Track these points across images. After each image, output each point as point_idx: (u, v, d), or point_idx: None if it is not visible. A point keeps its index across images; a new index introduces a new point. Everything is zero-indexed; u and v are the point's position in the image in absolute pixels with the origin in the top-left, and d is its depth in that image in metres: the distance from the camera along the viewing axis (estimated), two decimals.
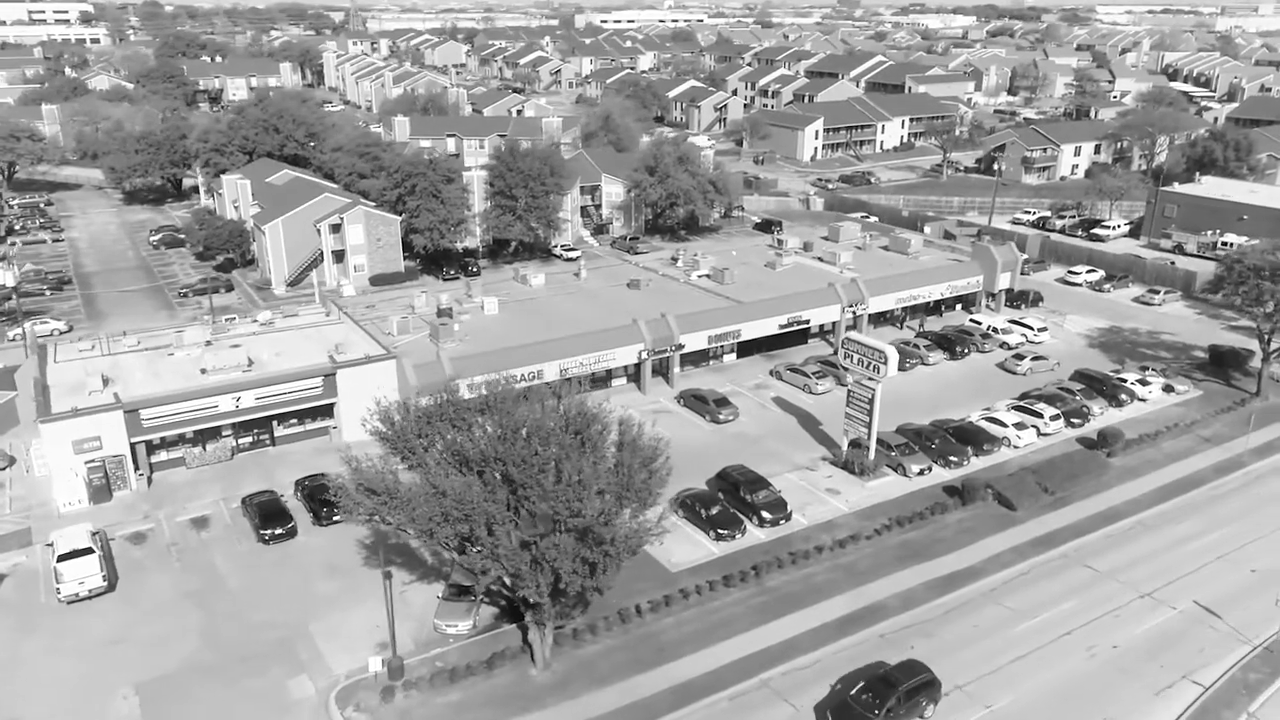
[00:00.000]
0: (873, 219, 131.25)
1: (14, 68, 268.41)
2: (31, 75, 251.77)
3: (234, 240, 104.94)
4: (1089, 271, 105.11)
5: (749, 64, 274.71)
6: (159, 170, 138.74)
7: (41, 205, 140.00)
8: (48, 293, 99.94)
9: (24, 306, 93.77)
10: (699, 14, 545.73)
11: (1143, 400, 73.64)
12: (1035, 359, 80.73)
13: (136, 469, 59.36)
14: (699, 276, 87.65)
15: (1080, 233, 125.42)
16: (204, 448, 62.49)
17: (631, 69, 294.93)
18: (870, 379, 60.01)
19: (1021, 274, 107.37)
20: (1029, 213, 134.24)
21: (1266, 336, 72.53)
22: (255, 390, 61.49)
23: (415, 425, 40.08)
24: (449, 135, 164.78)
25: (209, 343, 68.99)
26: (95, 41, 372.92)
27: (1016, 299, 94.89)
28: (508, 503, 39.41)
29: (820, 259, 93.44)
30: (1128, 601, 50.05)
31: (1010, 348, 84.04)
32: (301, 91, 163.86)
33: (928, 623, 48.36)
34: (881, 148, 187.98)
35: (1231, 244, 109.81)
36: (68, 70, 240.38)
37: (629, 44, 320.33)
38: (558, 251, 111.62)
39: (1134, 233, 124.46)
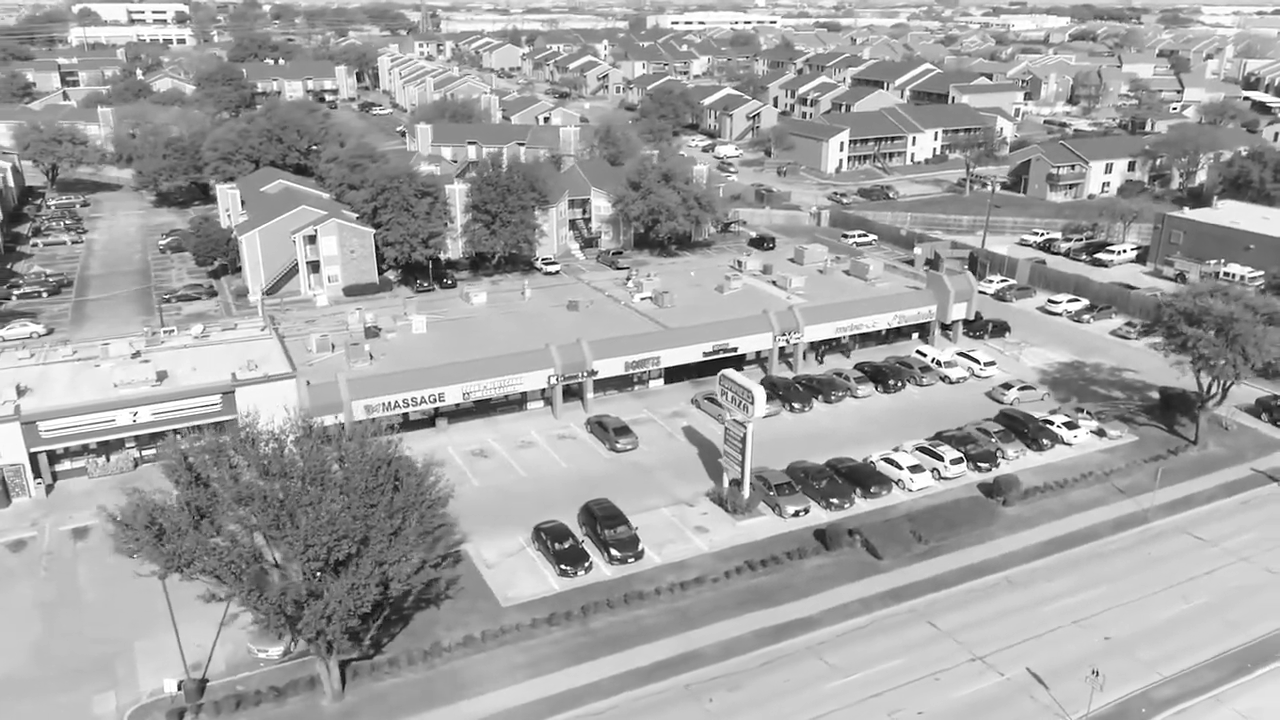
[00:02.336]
0: (871, 238, 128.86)
1: (95, 68, 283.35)
2: (110, 76, 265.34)
3: (220, 248, 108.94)
4: (1070, 301, 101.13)
5: (799, 70, 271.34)
6: (182, 175, 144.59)
7: (77, 206, 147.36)
8: (44, 295, 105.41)
9: (16, 308, 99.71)
10: (778, 15, 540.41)
11: (1067, 444, 70.77)
12: (1024, 388, 78.97)
13: (37, 477, 62.53)
14: (641, 299, 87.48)
15: (1084, 257, 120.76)
16: (107, 458, 65.39)
17: (684, 73, 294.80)
18: (742, 418, 59.19)
19: (1003, 300, 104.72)
20: (1038, 233, 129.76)
21: (1206, 384, 68.93)
22: (153, 405, 64.06)
23: (201, 459, 41.38)
24: (469, 142, 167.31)
25: (136, 354, 71.97)
26: (181, 42, 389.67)
27: (979, 329, 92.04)
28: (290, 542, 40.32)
29: (774, 283, 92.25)
30: (956, 664, 48.44)
31: (951, 381, 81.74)
32: (308, 101, 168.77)
33: (740, 674, 47.66)
34: (912, 160, 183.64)
35: (1234, 275, 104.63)
36: (138, 72, 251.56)
37: (685, 48, 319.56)
38: (539, 264, 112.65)
39: (1141, 259, 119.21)
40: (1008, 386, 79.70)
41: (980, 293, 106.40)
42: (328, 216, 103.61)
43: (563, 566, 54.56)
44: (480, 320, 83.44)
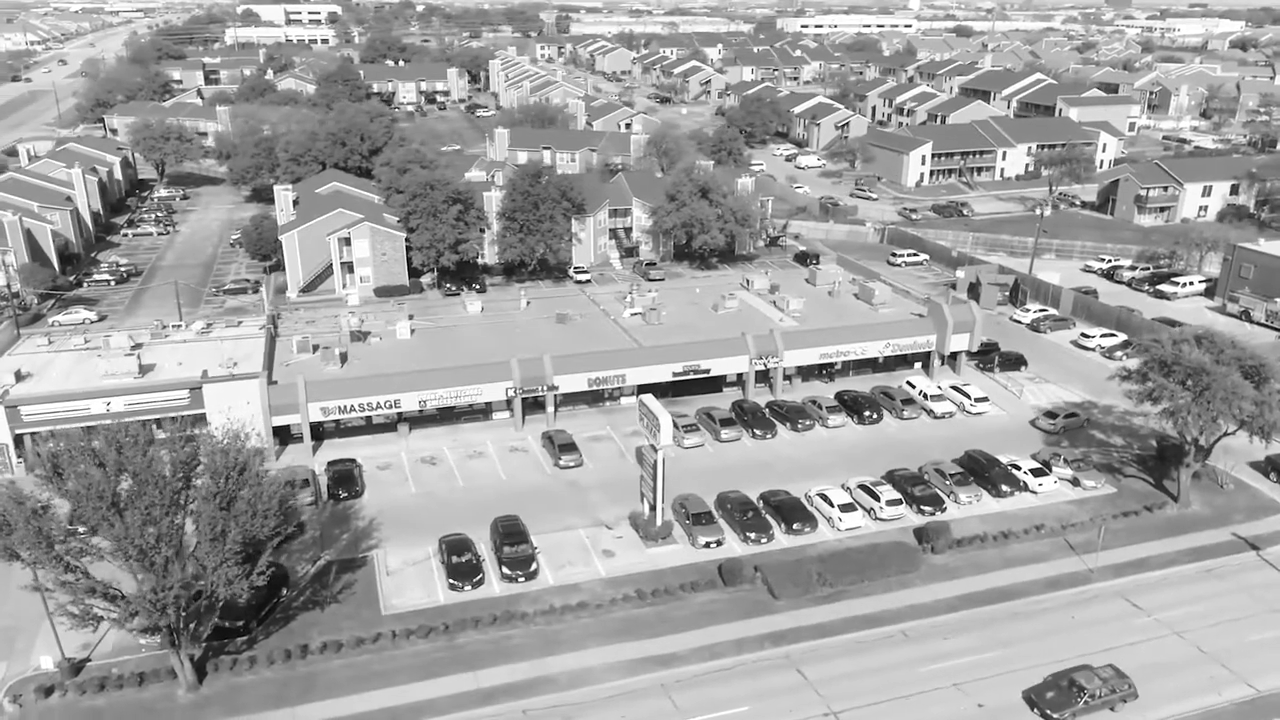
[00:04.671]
0: (923, 258, 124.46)
1: (236, 68, 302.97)
2: (247, 76, 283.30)
3: (271, 245, 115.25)
4: (1104, 335, 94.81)
5: (909, 77, 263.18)
6: (268, 173, 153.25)
7: (176, 200, 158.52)
8: (113, 283, 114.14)
9: (82, 295, 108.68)
10: (915, 19, 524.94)
11: (1033, 491, 66.71)
12: (1068, 416, 76.45)
13: (20, 457, 68.24)
14: (630, 314, 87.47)
15: (1147, 288, 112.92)
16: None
17: (793, 79, 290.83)
18: (653, 444, 58.69)
19: (1037, 331, 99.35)
20: (1104, 259, 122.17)
21: (1190, 438, 63.57)
22: (127, 397, 68.78)
23: (54, 459, 44.54)
24: (544, 147, 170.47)
25: (136, 347, 77.28)
26: (325, 42, 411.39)
27: (988, 362, 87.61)
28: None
29: (775, 303, 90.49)
30: (807, 718, 46.75)
31: (936, 416, 78.25)
32: (375, 106, 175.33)
33: (581, 705, 47.49)
34: (1002, 175, 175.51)
35: None
36: (269, 73, 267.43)
37: (798, 53, 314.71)
38: (570, 273, 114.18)
39: (1210, 292, 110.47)
40: (1052, 415, 76.32)
41: (1015, 321, 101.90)
42: (361, 220, 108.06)
43: (452, 581, 55.58)
44: (467, 329, 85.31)
